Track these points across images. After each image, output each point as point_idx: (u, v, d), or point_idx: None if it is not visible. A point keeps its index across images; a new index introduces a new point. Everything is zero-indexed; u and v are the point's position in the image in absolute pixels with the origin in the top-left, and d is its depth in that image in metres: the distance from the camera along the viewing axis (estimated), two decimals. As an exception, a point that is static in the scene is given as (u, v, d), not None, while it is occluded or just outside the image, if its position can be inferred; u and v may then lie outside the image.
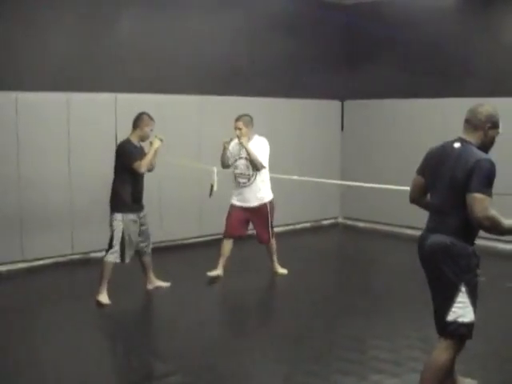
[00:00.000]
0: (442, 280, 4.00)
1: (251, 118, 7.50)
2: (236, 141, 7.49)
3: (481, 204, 3.79)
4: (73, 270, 8.22)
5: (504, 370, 5.10)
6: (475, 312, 4.01)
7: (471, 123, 4.09)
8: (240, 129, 7.36)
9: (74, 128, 8.31)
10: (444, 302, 4.00)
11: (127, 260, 6.81)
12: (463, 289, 3.94)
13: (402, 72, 10.70)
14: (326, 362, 5.24)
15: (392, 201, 8.15)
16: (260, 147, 7.44)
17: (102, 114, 8.56)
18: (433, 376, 4.03)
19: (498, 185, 3.95)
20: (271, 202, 7.61)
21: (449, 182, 3.99)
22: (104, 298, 6.67)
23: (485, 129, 4.06)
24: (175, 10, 9.34)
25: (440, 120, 9.67)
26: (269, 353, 5.49)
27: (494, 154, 4.07)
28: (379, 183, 8.32)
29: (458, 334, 4.01)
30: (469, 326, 4.00)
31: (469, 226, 3.94)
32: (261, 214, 7.56)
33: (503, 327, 6.06)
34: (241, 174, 7.52)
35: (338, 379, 4.89)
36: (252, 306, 7.10)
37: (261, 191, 7.52)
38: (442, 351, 4.05)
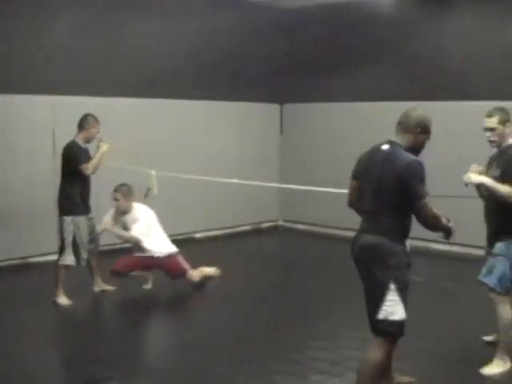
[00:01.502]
0: (372, 279, 4.08)
1: (130, 188, 7.12)
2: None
3: (427, 207, 3.99)
4: (11, 275, 8.05)
5: (437, 367, 5.21)
6: (406, 310, 4.08)
7: (402, 126, 4.22)
8: (117, 200, 7.08)
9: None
10: (374, 300, 4.07)
11: (83, 263, 6.88)
12: (392, 286, 4.00)
13: (341, 75, 10.84)
14: (265, 362, 5.27)
15: (331, 203, 8.25)
16: (139, 218, 7.11)
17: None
18: (368, 374, 4.11)
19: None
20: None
21: (377, 183, 4.10)
22: (63, 299, 6.79)
23: (414, 133, 4.18)
24: (116, 13, 9.29)
25: (379, 123, 9.78)
26: (208, 354, 5.48)
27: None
28: (318, 186, 8.42)
29: (389, 332, 4.08)
30: (400, 324, 4.07)
31: (398, 226, 4.08)
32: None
33: (436, 325, 6.18)
34: None
35: (278, 379, 4.94)
36: (190, 308, 7.11)
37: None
38: (375, 349, 4.12)
